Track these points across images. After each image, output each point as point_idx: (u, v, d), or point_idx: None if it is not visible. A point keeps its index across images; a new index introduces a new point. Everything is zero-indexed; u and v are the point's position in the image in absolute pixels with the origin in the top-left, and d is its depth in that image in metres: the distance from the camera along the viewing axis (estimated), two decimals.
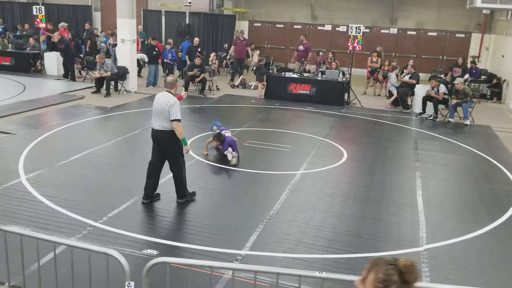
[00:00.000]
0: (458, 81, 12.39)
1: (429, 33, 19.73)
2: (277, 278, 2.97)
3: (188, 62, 15.28)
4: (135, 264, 4.15)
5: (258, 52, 18.58)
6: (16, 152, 7.90)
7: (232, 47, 17.15)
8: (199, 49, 16.11)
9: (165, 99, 5.87)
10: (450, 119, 12.28)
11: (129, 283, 3.02)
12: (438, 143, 10.23)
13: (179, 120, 5.87)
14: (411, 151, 9.38)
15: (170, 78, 6.18)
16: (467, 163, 8.94)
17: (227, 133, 8.32)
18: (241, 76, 16.72)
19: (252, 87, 15.96)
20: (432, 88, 12.44)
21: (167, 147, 6.04)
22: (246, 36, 21.02)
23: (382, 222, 6.05)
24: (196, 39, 16.48)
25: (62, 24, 17.47)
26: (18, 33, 20.05)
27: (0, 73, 15.75)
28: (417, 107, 13.24)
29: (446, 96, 12.49)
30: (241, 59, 16.85)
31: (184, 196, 6.27)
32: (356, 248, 5.31)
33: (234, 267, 3.11)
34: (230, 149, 8.04)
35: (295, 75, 14.77)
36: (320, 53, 17.06)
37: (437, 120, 12.39)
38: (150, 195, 6.21)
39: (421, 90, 13.04)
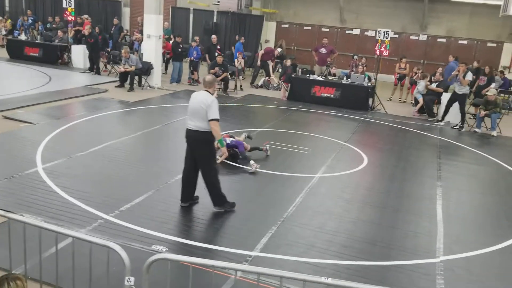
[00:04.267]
0: (491, 92, 11.99)
1: (460, 41, 19.26)
2: (281, 281, 2.86)
3: (209, 61, 15.33)
4: (141, 259, 4.07)
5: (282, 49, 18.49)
6: (36, 142, 7.98)
7: (261, 52, 17.02)
8: (218, 47, 16.07)
9: (203, 98, 5.61)
10: (477, 130, 11.91)
11: (129, 278, 2.95)
12: (462, 153, 9.93)
13: (217, 120, 5.60)
14: (434, 160, 9.11)
15: (208, 77, 5.91)
16: (491, 175, 8.63)
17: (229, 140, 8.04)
18: (266, 77, 16.64)
19: (275, 85, 16.05)
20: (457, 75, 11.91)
21: (199, 149, 5.76)
22: (273, 36, 21.12)
23: (399, 230, 5.85)
24: (214, 37, 16.46)
25: (87, 17, 17.76)
26: (48, 25, 20.45)
27: (28, 63, 16.09)
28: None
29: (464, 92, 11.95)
30: (265, 62, 16.72)
31: (222, 204, 5.90)
32: (370, 255, 5.14)
33: (236, 267, 3.01)
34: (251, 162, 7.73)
35: (319, 78, 14.59)
36: (355, 56, 16.84)
37: (463, 130, 12.04)
38: (188, 199, 6.03)
39: (447, 99, 12.67)
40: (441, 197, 7.08)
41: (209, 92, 5.74)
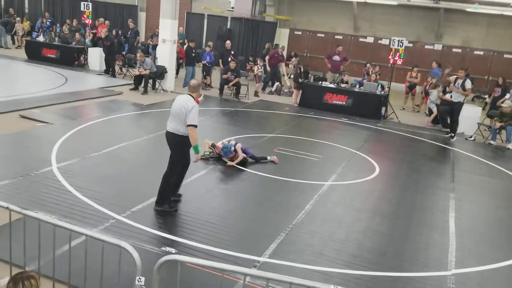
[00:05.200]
0: (507, 104, 11.82)
1: (476, 52, 19.10)
2: None
3: (222, 66, 15.44)
4: (151, 260, 4.10)
5: (297, 59, 18.51)
6: (51, 141, 8.08)
7: (267, 57, 17.04)
8: (232, 52, 16.15)
9: (184, 102, 5.62)
10: (492, 142, 11.78)
11: (139, 278, 2.97)
12: (476, 165, 9.82)
13: (195, 126, 5.58)
14: (448, 171, 9.03)
15: (193, 81, 5.95)
16: (506, 188, 8.52)
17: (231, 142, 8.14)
18: (277, 83, 16.67)
19: (287, 91, 16.11)
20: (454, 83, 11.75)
21: (173, 150, 5.84)
22: (286, 43, 21.12)
23: (410, 241, 5.80)
24: (228, 43, 16.56)
25: (103, 20, 18.01)
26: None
27: (45, 64, 16.32)
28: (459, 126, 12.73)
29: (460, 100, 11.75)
30: (274, 67, 16.75)
31: (162, 204, 5.89)
32: (380, 266, 5.10)
33: (245, 272, 3.01)
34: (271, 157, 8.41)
35: (332, 85, 14.57)
36: (368, 64, 16.82)
37: (471, 139, 11.91)
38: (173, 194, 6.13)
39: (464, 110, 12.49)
40: (453, 209, 7.01)
41: (193, 97, 5.76)
